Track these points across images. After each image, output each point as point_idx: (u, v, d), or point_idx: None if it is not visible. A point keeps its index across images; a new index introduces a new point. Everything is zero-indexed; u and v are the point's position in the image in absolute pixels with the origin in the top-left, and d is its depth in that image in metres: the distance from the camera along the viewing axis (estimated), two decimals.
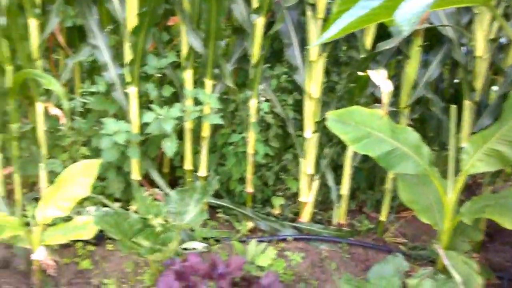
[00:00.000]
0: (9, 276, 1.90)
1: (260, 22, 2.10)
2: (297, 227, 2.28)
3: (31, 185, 2.41)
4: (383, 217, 2.33)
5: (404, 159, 1.80)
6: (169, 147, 2.13)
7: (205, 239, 2.12)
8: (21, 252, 1.94)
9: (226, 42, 2.40)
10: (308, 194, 2.30)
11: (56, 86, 1.83)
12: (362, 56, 2.15)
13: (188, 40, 2.14)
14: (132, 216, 1.81)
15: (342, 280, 1.79)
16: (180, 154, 2.36)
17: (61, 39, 2.22)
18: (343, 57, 2.48)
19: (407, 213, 2.46)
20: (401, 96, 2.25)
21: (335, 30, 1.06)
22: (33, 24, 1.98)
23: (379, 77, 1.96)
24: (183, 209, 1.91)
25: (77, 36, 2.29)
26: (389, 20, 1.06)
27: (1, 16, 1.73)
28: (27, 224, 1.93)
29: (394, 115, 2.18)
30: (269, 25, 2.15)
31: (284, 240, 2.20)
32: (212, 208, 2.36)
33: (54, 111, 2.05)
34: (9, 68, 1.97)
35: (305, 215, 2.31)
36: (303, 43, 2.23)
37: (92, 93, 2.22)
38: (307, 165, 2.27)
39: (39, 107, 2.07)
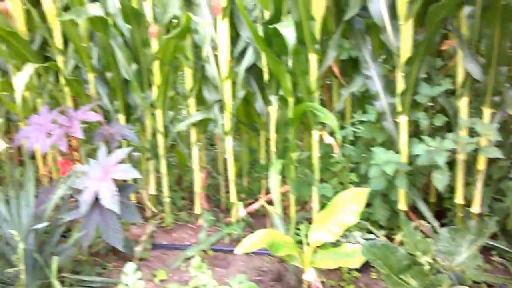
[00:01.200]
0: None
1: None
2: None
3: (302, 204, 2.61)
4: None
5: None
6: (439, 180, 2.03)
7: (475, 283, 1.95)
8: (293, 269, 2.11)
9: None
10: None
11: (332, 121, 1.94)
12: None
13: (464, 65, 2.01)
14: (399, 251, 1.78)
15: None
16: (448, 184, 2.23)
17: (336, 70, 2.34)
18: None
19: None
20: None
21: None
22: (313, 59, 2.14)
23: None
24: (454, 249, 1.80)
25: (350, 66, 2.39)
26: None
27: (289, 58, 1.92)
28: (300, 242, 2.10)
29: None
30: None
31: None
32: (485, 249, 2.15)
33: (328, 139, 2.18)
34: (290, 100, 2.18)
35: None
36: None
37: (362, 122, 2.28)
38: None
39: (315, 135, 2.23)
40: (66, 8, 2.38)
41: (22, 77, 2.11)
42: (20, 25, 2.48)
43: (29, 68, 2.15)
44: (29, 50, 2.40)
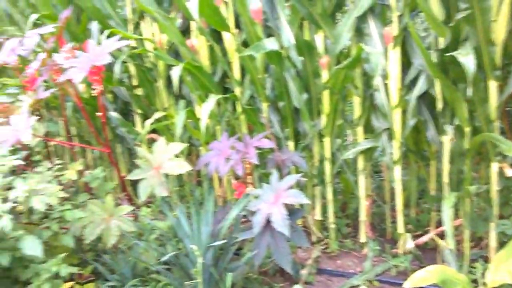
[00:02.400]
0: None
1: None
2: None
3: (477, 240, 2.44)
4: None
5: None
6: None
7: None
8: None
9: None
10: None
11: None
12: None
13: None
14: None
15: None
16: None
17: None
18: None
19: None
20: None
21: None
22: (493, 86, 2.01)
23: None
24: None
25: None
26: None
27: (469, 87, 1.84)
28: (474, 281, 1.96)
29: None
30: None
31: None
32: None
33: (510, 172, 2.02)
34: (467, 130, 2.07)
35: None
36: None
37: None
38: None
39: (494, 167, 2.08)
40: (244, 43, 2.60)
41: (207, 108, 2.34)
42: (204, 59, 2.76)
43: (213, 99, 2.38)
44: (212, 82, 2.65)
